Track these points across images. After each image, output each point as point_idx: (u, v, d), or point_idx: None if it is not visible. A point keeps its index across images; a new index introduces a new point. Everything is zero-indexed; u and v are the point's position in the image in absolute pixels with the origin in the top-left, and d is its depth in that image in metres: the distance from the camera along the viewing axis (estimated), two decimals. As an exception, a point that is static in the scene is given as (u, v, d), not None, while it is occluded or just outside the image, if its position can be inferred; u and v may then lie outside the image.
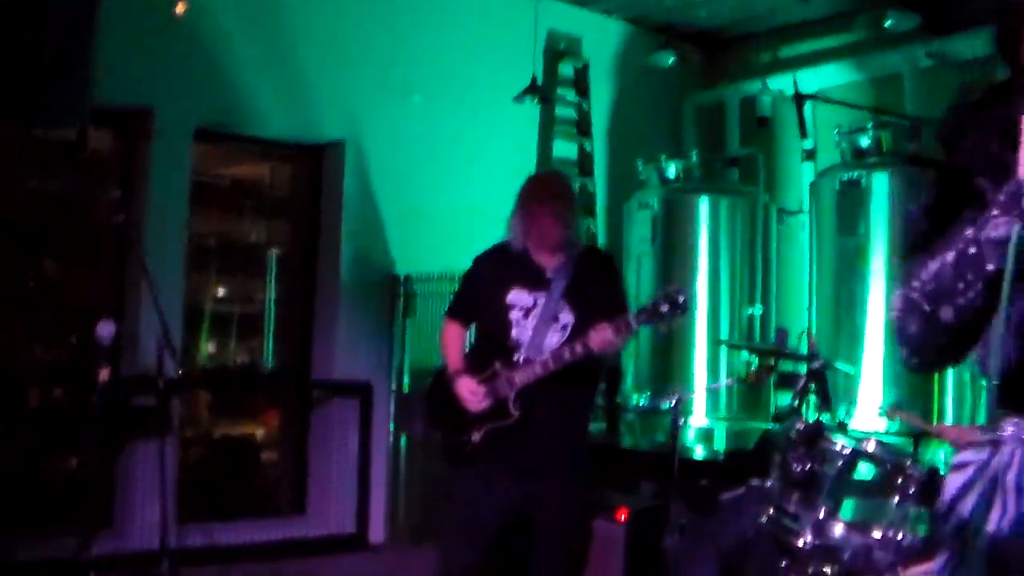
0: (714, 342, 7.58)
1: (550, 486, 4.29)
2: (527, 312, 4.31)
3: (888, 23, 7.19)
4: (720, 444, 7.62)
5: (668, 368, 7.80)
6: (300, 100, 7.20)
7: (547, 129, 8.16)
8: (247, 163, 7.86)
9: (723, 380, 7.55)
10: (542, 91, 7.94)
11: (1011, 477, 1.78)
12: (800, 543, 3.87)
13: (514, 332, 4.30)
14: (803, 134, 4.49)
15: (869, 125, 6.81)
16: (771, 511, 3.97)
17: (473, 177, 7.53)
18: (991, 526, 1.76)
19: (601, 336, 4.01)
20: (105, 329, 5.39)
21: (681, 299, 3.98)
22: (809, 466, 3.83)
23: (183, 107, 6.77)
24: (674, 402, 4.67)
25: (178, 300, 6.70)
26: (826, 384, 4.15)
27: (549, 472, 4.28)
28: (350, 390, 7.49)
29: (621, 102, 8.76)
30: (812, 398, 4.11)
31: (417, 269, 7.47)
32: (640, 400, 7.81)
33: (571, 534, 4.42)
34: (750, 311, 7.77)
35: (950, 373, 6.59)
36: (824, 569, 3.82)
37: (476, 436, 4.30)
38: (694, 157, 7.90)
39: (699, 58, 8.64)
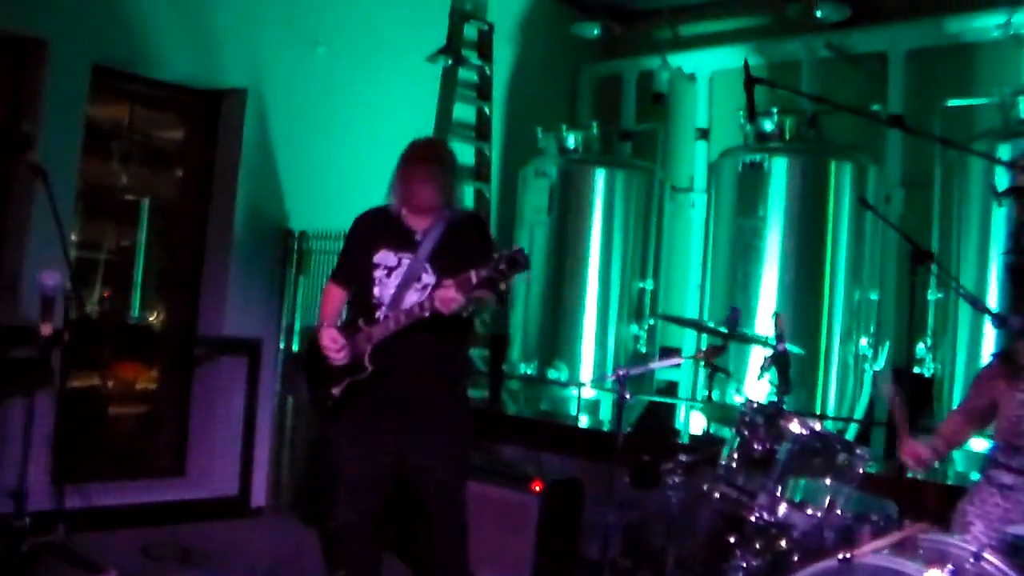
0: (659, 317, 7.72)
1: (425, 442, 4.39)
2: (390, 271, 4.44)
3: (818, 13, 7.35)
4: (606, 415, 7.73)
5: (556, 338, 7.85)
6: (203, 44, 6.92)
7: (448, 90, 8.05)
8: (141, 105, 7.51)
9: (609, 350, 7.68)
10: (455, 53, 7.84)
11: None
12: (752, 519, 3.94)
13: (376, 290, 4.43)
14: (751, 117, 4.54)
15: (774, 110, 6.96)
16: (723, 487, 4.03)
17: (374, 135, 7.36)
18: None
19: (443, 294, 4.08)
20: (49, 279, 5.12)
21: (521, 258, 4.03)
22: (767, 446, 3.92)
23: (80, 42, 6.42)
24: (619, 376, 4.68)
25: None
26: (788, 366, 4.24)
27: (422, 429, 4.38)
28: (238, 348, 7.28)
29: (522, 68, 8.74)
30: (772, 379, 4.18)
31: (314, 226, 7.29)
32: (526, 369, 7.83)
33: (451, 489, 4.51)
34: (641, 285, 7.87)
35: (834, 362, 6.85)
36: (774, 545, 3.91)
37: (336, 390, 4.41)
38: (594, 129, 7.92)
39: (603, 29, 8.64)
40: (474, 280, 4.05)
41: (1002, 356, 4.32)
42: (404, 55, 7.76)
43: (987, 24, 7.24)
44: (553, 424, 7.37)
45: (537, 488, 5.70)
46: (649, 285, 7.87)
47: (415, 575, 5.79)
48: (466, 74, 8.24)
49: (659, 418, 7.73)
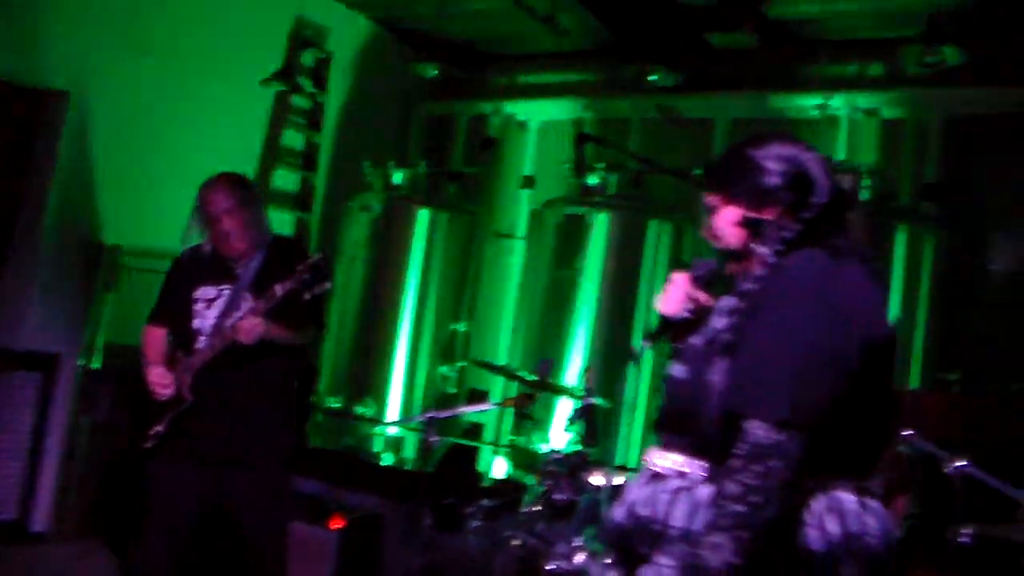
0: (473, 363, 7.67)
1: (243, 477, 4.30)
2: (210, 303, 4.38)
3: (651, 78, 7.54)
4: (409, 453, 7.69)
5: (365, 373, 7.80)
6: (25, 40, 6.60)
7: (280, 116, 7.94)
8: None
9: (420, 387, 7.67)
10: (291, 79, 7.75)
11: None
12: (548, 568, 3.98)
13: (195, 322, 4.37)
14: (579, 172, 4.64)
15: (600, 165, 7.11)
16: (523, 535, 4.06)
17: (200, 152, 7.13)
18: None
19: (241, 323, 4.09)
20: None
21: (323, 265, 4.09)
22: (569, 496, 3.96)
23: None
24: (427, 417, 4.67)
25: None
26: (596, 419, 4.31)
27: (241, 462, 4.30)
28: (32, 363, 6.95)
29: (356, 100, 8.67)
30: (574, 430, 4.24)
31: (130, 241, 7.05)
32: (334, 403, 7.75)
33: (267, 527, 4.41)
34: (454, 327, 7.90)
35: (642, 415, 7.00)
36: (569, 594, 3.95)
37: (161, 427, 4.31)
38: (422, 168, 7.94)
39: (440, 70, 8.67)
40: (279, 293, 4.04)
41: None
42: (238, 75, 7.60)
43: (806, 103, 7.60)
44: (357, 460, 7.30)
45: (336, 525, 5.62)
46: (463, 327, 7.91)
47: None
48: (299, 101, 8.15)
49: (462, 460, 7.73)
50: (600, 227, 7.05)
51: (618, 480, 4.13)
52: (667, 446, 2.46)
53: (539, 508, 4.06)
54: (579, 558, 4.04)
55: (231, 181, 4.50)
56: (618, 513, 2.42)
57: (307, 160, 8.19)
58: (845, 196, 2.54)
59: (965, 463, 3.68)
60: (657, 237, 7.05)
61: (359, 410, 7.72)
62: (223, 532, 4.46)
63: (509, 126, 8.73)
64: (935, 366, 6.69)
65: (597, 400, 4.58)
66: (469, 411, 6.47)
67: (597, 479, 4.05)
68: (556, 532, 4.02)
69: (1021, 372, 6.36)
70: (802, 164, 2.44)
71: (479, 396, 7.82)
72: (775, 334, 2.27)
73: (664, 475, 2.41)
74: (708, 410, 2.36)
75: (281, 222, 8.03)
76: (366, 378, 7.79)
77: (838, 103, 7.47)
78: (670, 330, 2.60)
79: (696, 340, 2.48)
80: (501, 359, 7.91)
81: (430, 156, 8.59)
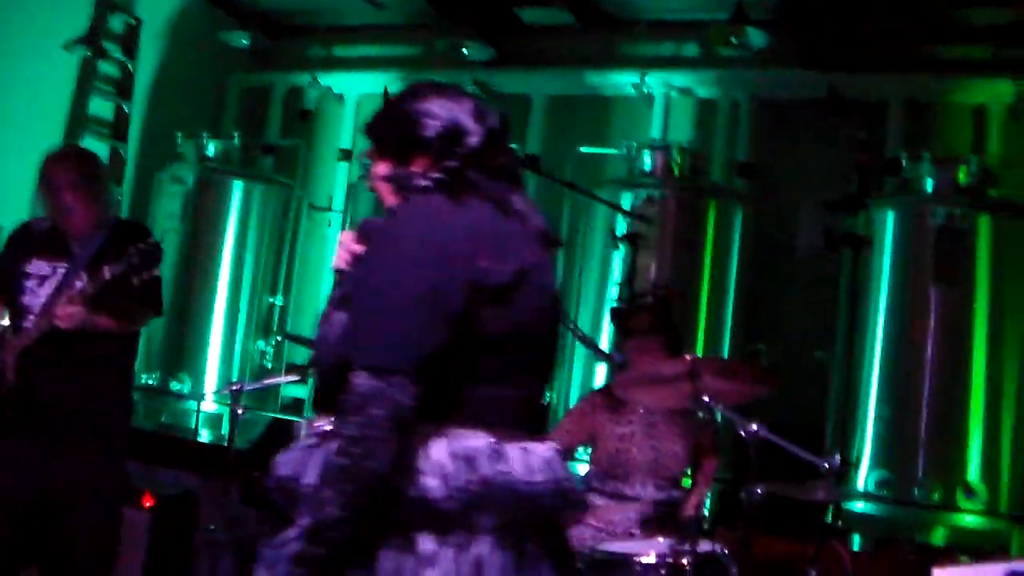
0: (283, 336, 7.56)
1: (74, 461, 4.17)
2: (43, 280, 4.23)
3: (465, 51, 7.54)
4: (227, 430, 7.54)
5: (181, 349, 7.63)
6: None
7: (86, 83, 7.65)
8: None
9: (236, 364, 7.54)
10: (96, 44, 7.46)
11: None
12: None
13: (25, 299, 4.23)
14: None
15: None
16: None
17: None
18: None
19: (60, 310, 3.98)
20: None
21: (155, 250, 3.97)
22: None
23: None
24: (234, 391, 4.57)
25: None
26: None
27: (65, 448, 4.16)
28: None
29: (168, 69, 8.41)
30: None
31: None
32: (149, 380, 7.55)
33: (97, 513, 4.29)
34: (271, 300, 7.80)
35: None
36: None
37: None
38: (236, 140, 7.79)
39: (254, 40, 8.49)
40: (107, 275, 3.90)
41: (604, 391, 4.60)
42: (39, 39, 7.28)
43: (623, 81, 7.73)
44: (169, 438, 7.13)
45: (147, 504, 5.48)
46: (279, 301, 7.82)
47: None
48: (107, 68, 7.86)
49: (281, 435, 7.64)
50: (415, 200, 7.01)
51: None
52: (318, 406, 2.42)
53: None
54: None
55: (78, 155, 4.42)
56: (270, 476, 2.31)
57: (116, 130, 7.93)
58: (497, 141, 2.39)
59: (757, 427, 3.80)
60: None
61: (175, 387, 7.54)
62: (51, 519, 4.30)
63: (326, 99, 8.63)
64: (744, 337, 6.92)
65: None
66: (278, 383, 6.40)
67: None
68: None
69: (823, 341, 6.62)
70: (452, 113, 2.34)
71: (297, 370, 7.73)
72: (372, 280, 2.20)
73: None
74: (327, 363, 2.30)
75: (89, 194, 7.75)
76: (181, 354, 7.62)
77: (654, 81, 7.62)
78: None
79: (334, 293, 2.38)
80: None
81: (245, 128, 8.42)
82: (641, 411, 4.52)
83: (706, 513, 5.44)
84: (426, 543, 2.13)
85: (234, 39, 8.15)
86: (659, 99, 7.64)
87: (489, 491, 2.16)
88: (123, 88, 7.96)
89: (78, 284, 4.08)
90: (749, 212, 7.00)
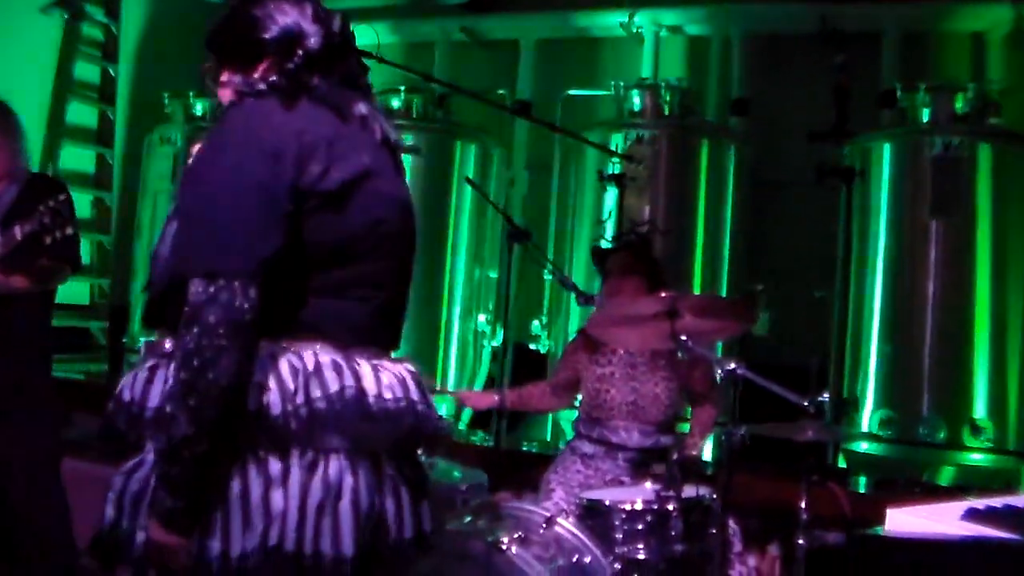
0: None
1: (3, 431, 4.07)
2: None
3: None
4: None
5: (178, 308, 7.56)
6: None
7: (70, 47, 7.56)
8: None
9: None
10: (73, 6, 7.36)
11: None
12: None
13: None
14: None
15: (402, 88, 6.99)
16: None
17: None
18: None
19: None
20: None
21: (64, 209, 3.80)
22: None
23: None
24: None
25: None
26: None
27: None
28: None
29: (153, 30, 8.32)
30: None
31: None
32: (149, 340, 7.49)
33: (37, 478, 4.19)
34: (264, 257, 7.72)
35: (454, 338, 6.97)
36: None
37: None
38: (222, 97, 7.69)
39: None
40: (18, 235, 3.77)
41: (584, 331, 4.51)
42: (22, 3, 7.21)
43: (611, 21, 7.58)
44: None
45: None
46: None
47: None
48: (91, 31, 7.78)
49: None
50: (407, 151, 6.93)
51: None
52: (153, 326, 2.26)
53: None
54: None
55: None
56: (112, 403, 2.16)
57: (104, 93, 7.86)
58: (339, 44, 2.28)
59: (735, 366, 3.69)
60: (462, 158, 6.99)
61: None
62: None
63: (316, 52, 8.52)
64: (743, 277, 6.82)
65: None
66: None
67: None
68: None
69: (821, 279, 6.51)
70: (291, 16, 2.23)
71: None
72: (197, 185, 2.08)
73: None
74: (158, 280, 2.17)
75: (80, 158, 7.73)
76: (177, 314, 7.55)
77: (643, 20, 7.47)
78: None
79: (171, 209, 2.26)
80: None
81: (232, 84, 8.31)
82: (622, 352, 4.42)
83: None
84: (273, 464, 2.02)
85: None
86: (649, 38, 7.49)
87: (335, 409, 2.05)
88: (108, 51, 7.88)
89: None
90: (743, 149, 6.89)
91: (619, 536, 3.78)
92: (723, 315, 4.17)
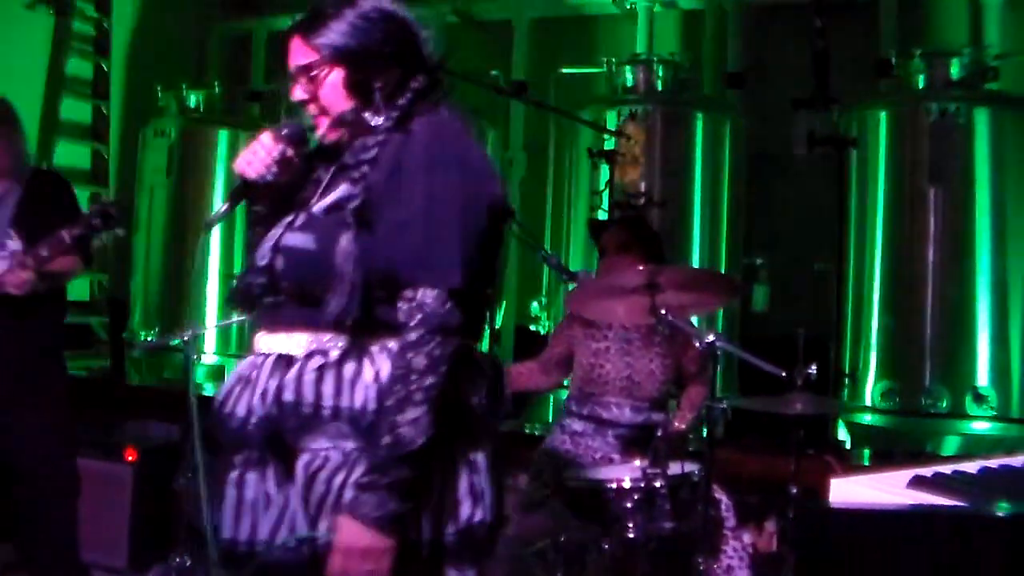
0: (226, 276, 7.44)
1: (20, 423, 4.15)
2: None
3: None
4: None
5: (179, 304, 7.58)
6: None
7: (61, 44, 7.55)
8: None
9: (236, 316, 7.43)
10: (62, 2, 7.34)
11: None
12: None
13: None
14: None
15: (394, 73, 6.95)
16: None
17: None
18: None
19: (10, 278, 3.92)
20: None
21: (114, 211, 3.96)
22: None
23: None
24: (186, 338, 4.51)
25: None
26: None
27: (14, 409, 4.13)
28: None
29: (146, 23, 8.31)
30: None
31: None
32: (148, 335, 7.51)
33: (50, 471, 4.27)
34: (287, 247, 7.70)
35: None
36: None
37: None
38: (216, 88, 7.69)
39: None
40: (67, 240, 3.87)
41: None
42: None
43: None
44: (159, 391, 7.09)
45: (131, 457, 5.45)
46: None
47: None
48: (82, 27, 7.76)
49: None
50: (401, 135, 6.90)
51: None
52: (285, 325, 2.26)
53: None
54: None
55: None
56: (247, 405, 2.22)
57: (97, 88, 7.85)
58: (443, 55, 2.40)
59: (714, 338, 3.64)
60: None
61: (175, 342, 7.49)
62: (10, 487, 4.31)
63: (308, 40, 8.49)
64: (741, 251, 6.77)
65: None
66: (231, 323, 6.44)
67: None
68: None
69: (822, 252, 6.43)
70: (407, 21, 2.31)
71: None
72: (431, 199, 2.16)
73: (295, 357, 2.22)
74: (339, 279, 2.17)
75: (75, 154, 7.74)
76: (179, 309, 7.56)
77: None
78: (251, 193, 2.39)
79: (316, 208, 2.27)
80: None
81: (231, 77, 8.30)
82: (617, 327, 4.38)
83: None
84: (472, 454, 2.23)
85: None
86: (643, 14, 7.41)
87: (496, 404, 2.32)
88: (100, 46, 7.86)
89: (10, 244, 4.04)
90: (739, 122, 6.83)
91: (608, 515, 3.76)
92: (705, 289, 4.12)
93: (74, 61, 7.70)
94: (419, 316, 2.12)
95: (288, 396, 2.18)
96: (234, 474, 2.23)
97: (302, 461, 2.17)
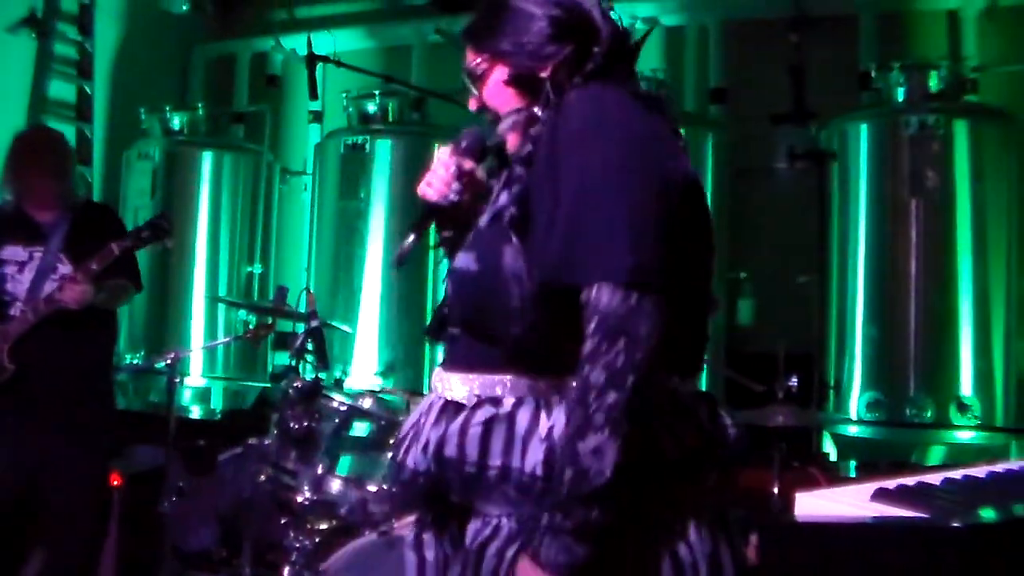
0: (211, 299, 7.44)
1: (68, 441, 4.22)
2: (22, 266, 4.24)
3: None
4: (218, 404, 7.55)
5: (164, 326, 7.57)
6: None
7: (43, 67, 7.54)
8: None
9: (220, 338, 7.43)
10: (41, 25, 7.33)
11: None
12: (299, 499, 3.89)
13: (8, 286, 4.23)
14: (313, 95, 4.58)
15: (377, 92, 6.98)
16: (270, 469, 3.95)
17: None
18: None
19: (68, 288, 4.00)
20: None
21: (165, 223, 4.11)
22: (306, 423, 3.87)
23: None
24: (169, 361, 4.54)
25: None
26: (324, 342, 4.22)
27: (68, 427, 4.21)
28: None
29: (128, 46, 8.29)
30: (310, 356, 4.15)
31: None
32: (134, 359, 7.50)
33: (85, 500, 4.37)
34: (249, 269, 7.72)
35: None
36: (322, 524, 3.87)
37: None
38: (200, 110, 7.70)
39: (213, 8, 8.38)
40: (116, 251, 3.98)
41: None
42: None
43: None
44: (146, 415, 7.08)
45: (115, 482, 5.43)
46: (258, 269, 7.72)
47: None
48: (64, 49, 7.74)
49: (271, 402, 7.60)
50: (382, 154, 6.93)
51: (366, 403, 4.05)
52: (460, 364, 1.99)
53: (280, 440, 3.94)
54: (335, 486, 3.96)
55: (47, 137, 4.45)
56: (414, 458, 1.95)
57: (80, 111, 7.82)
58: (629, 40, 2.07)
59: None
60: (441, 159, 6.96)
61: (160, 365, 7.48)
62: (41, 505, 4.35)
63: (292, 61, 8.49)
64: (725, 266, 6.77)
65: (329, 322, 4.53)
66: (216, 344, 6.46)
67: (334, 402, 3.95)
68: (299, 461, 3.91)
69: (805, 265, 6.45)
70: (577, 7, 1.99)
71: (283, 338, 7.66)
72: (586, 178, 1.81)
73: (463, 404, 1.93)
74: (508, 302, 1.86)
75: (59, 177, 7.67)
76: (165, 331, 7.55)
77: (618, 13, 7.40)
78: (436, 218, 2.12)
79: (482, 222, 1.98)
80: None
81: (216, 99, 8.32)
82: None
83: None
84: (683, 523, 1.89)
85: (171, 5, 8.00)
86: (624, 31, 7.42)
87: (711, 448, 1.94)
88: (83, 68, 7.82)
89: (60, 268, 4.17)
90: (721, 137, 6.86)
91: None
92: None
93: (57, 84, 7.67)
94: (595, 319, 1.75)
95: (450, 451, 1.90)
96: (411, 535, 2.04)
97: (472, 527, 1.89)
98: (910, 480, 2.24)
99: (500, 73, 2.06)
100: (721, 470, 1.99)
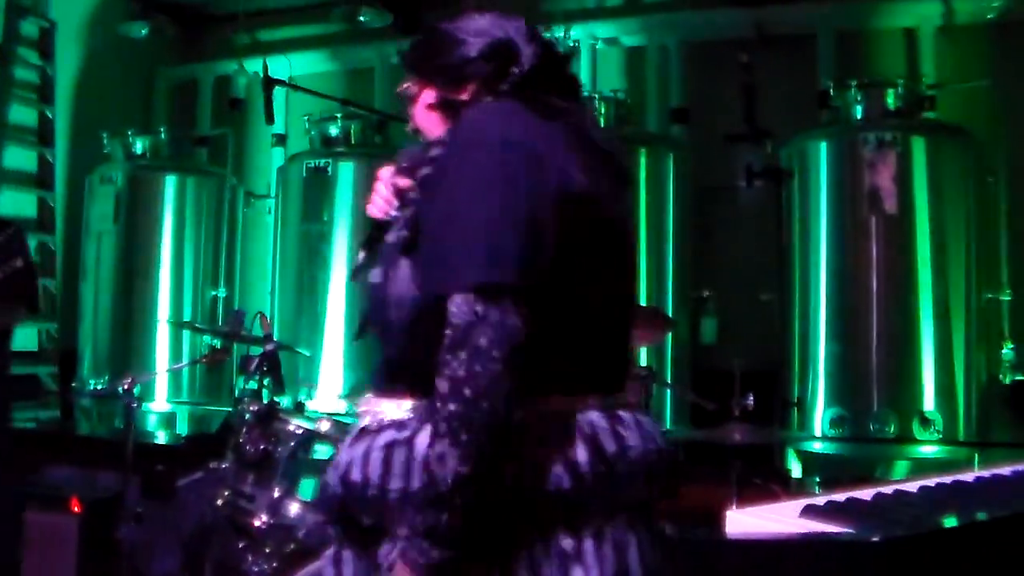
0: (173, 324, 7.41)
1: None
2: None
3: (362, 18, 7.41)
4: (183, 428, 7.49)
5: (128, 350, 7.52)
6: None
7: (3, 92, 7.51)
8: None
9: (182, 362, 7.39)
10: (1, 50, 7.31)
11: None
12: (256, 523, 3.86)
13: None
14: (269, 119, 4.55)
15: (339, 115, 6.98)
16: (227, 493, 3.92)
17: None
18: None
19: None
20: None
21: (8, 243, 3.87)
22: (263, 447, 3.85)
23: None
24: (127, 385, 4.50)
25: None
26: (279, 366, 4.19)
27: None
28: None
29: (90, 70, 8.28)
30: (266, 380, 4.11)
31: None
32: (97, 384, 7.45)
33: None
34: (214, 293, 7.69)
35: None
36: (282, 548, 3.84)
37: None
38: (163, 134, 7.69)
39: (175, 32, 8.37)
40: None
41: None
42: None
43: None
44: (107, 441, 7.01)
45: (76, 508, 5.38)
46: (222, 292, 7.69)
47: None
48: (25, 74, 7.73)
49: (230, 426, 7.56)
50: (345, 177, 6.93)
51: (324, 427, 4.03)
52: (378, 386, 2.00)
53: (236, 463, 3.92)
54: (294, 509, 3.93)
55: None
56: (331, 479, 1.96)
57: (42, 135, 7.80)
58: (556, 60, 2.07)
59: (645, 371, 3.66)
60: (401, 181, 6.96)
61: (120, 389, 7.43)
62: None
63: (255, 84, 8.49)
64: (688, 285, 6.80)
65: (289, 345, 4.49)
66: (179, 368, 6.42)
67: (291, 425, 3.93)
68: (256, 485, 3.89)
69: (768, 283, 6.48)
70: (500, 33, 2.02)
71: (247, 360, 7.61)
72: (455, 191, 1.82)
73: (373, 428, 1.95)
74: (395, 321, 1.90)
75: (21, 202, 7.67)
76: (128, 356, 7.50)
77: (578, 34, 7.46)
78: (382, 234, 2.07)
79: (389, 238, 1.99)
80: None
81: (179, 122, 8.30)
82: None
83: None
84: (564, 539, 1.82)
85: (133, 30, 7.99)
86: (585, 51, 7.48)
87: (615, 472, 1.85)
88: (44, 93, 7.81)
89: None
90: (682, 157, 6.89)
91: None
92: (638, 325, 4.13)
93: (17, 109, 7.64)
94: (447, 331, 1.74)
95: (355, 475, 1.91)
96: (330, 551, 2.02)
97: (385, 548, 1.88)
98: (840, 496, 2.25)
99: (427, 96, 2.11)
100: (660, 486, 1.94)
